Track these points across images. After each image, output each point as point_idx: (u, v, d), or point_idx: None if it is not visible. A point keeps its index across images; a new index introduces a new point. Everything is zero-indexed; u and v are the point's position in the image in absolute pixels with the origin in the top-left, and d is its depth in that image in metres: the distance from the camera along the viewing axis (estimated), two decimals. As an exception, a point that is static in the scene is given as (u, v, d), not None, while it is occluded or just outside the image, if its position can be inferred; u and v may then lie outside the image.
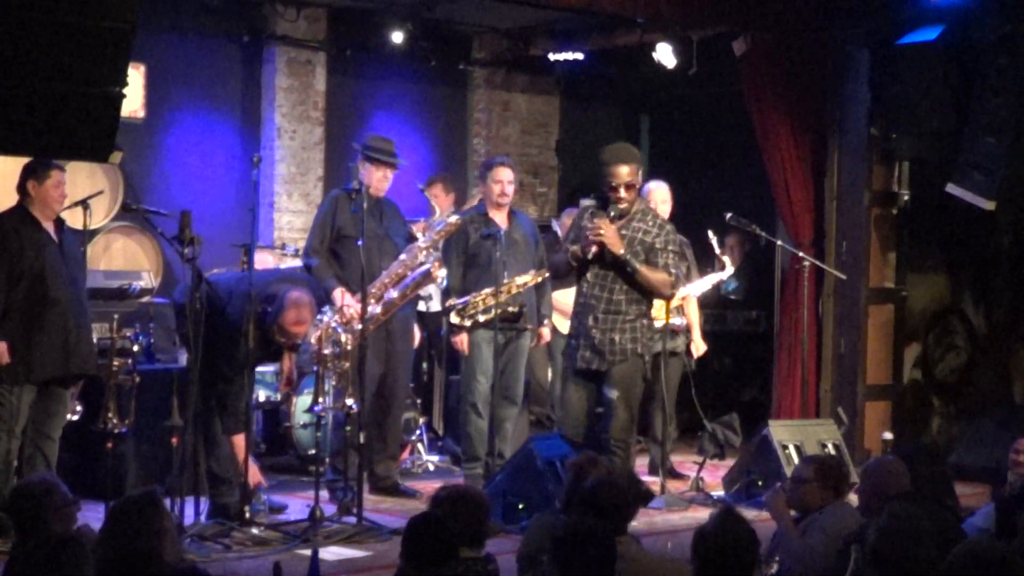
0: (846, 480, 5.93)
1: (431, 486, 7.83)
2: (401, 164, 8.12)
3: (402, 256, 7.90)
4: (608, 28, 10.34)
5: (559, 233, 9.22)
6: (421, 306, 8.85)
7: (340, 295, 7.75)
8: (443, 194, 9.22)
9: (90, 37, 4.94)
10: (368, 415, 7.70)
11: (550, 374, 9.71)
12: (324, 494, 7.21)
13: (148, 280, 8.86)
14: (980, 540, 3.68)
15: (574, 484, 5.16)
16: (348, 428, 7.43)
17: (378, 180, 7.97)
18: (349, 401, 7.16)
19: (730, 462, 8.66)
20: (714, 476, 8.59)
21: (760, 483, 8.02)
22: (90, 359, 6.97)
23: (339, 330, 7.59)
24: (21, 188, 6.82)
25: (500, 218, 8.39)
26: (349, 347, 7.33)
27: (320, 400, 7.16)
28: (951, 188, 8.86)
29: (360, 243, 7.21)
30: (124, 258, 9.20)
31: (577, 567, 4.02)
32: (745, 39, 9.52)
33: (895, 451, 8.49)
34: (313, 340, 7.50)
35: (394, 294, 7.83)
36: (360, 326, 7.31)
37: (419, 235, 8.15)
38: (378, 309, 7.76)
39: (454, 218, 8.05)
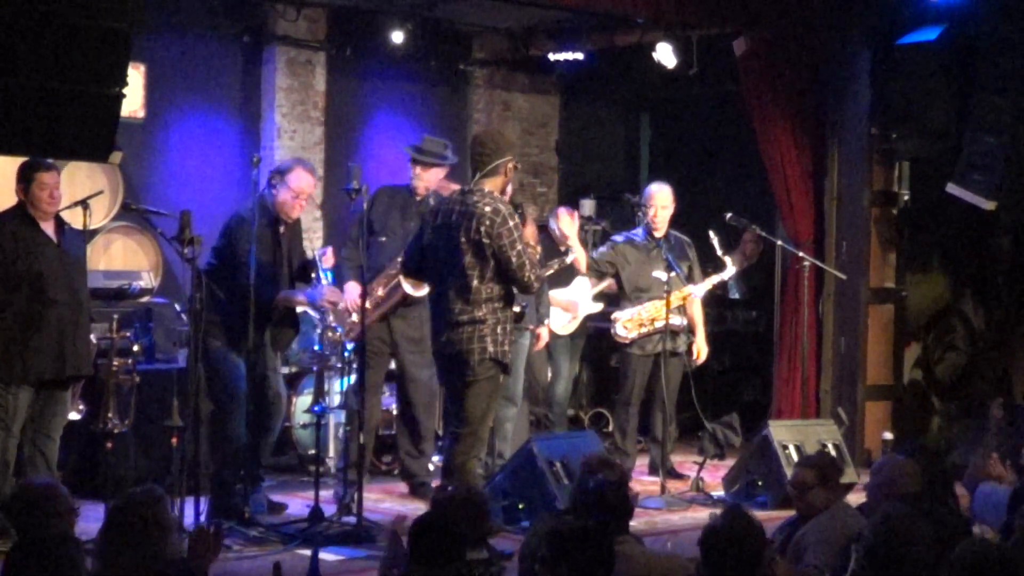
0: (842, 474, 5.95)
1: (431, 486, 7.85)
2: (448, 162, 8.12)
3: (399, 259, 7.92)
4: (608, 28, 10.34)
5: (556, 233, 9.21)
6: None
7: (350, 288, 7.76)
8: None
9: (90, 37, 4.94)
10: (397, 416, 8.04)
11: (550, 374, 9.71)
12: (324, 494, 7.21)
13: (148, 280, 8.85)
14: (982, 541, 3.67)
15: (582, 484, 5.17)
16: (348, 428, 7.46)
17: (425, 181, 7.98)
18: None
19: (730, 462, 8.65)
20: (714, 476, 8.59)
21: (760, 483, 8.02)
22: (86, 361, 6.94)
23: (338, 330, 7.65)
24: (16, 189, 6.84)
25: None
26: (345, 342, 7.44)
27: (320, 400, 7.18)
28: (951, 188, 8.86)
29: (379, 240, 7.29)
30: (124, 258, 9.19)
31: (574, 568, 4.02)
32: (745, 39, 9.52)
33: (896, 451, 8.50)
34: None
35: (380, 292, 7.88)
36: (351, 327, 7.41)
37: None
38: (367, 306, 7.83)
39: None
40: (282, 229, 7.38)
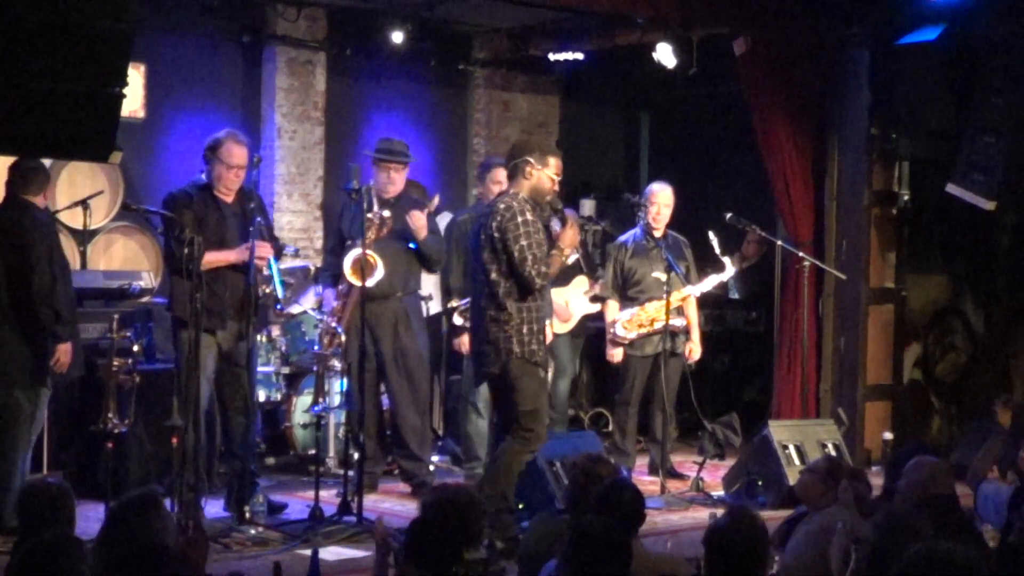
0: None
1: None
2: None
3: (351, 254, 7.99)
4: (608, 28, 10.33)
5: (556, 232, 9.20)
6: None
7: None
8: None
9: (90, 37, 4.94)
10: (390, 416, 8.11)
11: (551, 374, 9.70)
12: (324, 494, 7.21)
13: (148, 280, 8.84)
14: (934, 545, 3.59)
15: (579, 484, 5.16)
16: (347, 427, 7.47)
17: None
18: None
19: (730, 462, 8.66)
20: (714, 476, 8.59)
21: (760, 483, 8.02)
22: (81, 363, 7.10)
23: (339, 331, 7.66)
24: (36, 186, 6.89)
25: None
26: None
27: (320, 400, 7.18)
28: (951, 188, 8.87)
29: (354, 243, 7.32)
30: (124, 258, 9.20)
31: (593, 569, 4.01)
32: (745, 39, 9.51)
33: (895, 451, 8.50)
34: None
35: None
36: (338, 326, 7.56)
37: None
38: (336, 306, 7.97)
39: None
40: (228, 203, 7.29)
